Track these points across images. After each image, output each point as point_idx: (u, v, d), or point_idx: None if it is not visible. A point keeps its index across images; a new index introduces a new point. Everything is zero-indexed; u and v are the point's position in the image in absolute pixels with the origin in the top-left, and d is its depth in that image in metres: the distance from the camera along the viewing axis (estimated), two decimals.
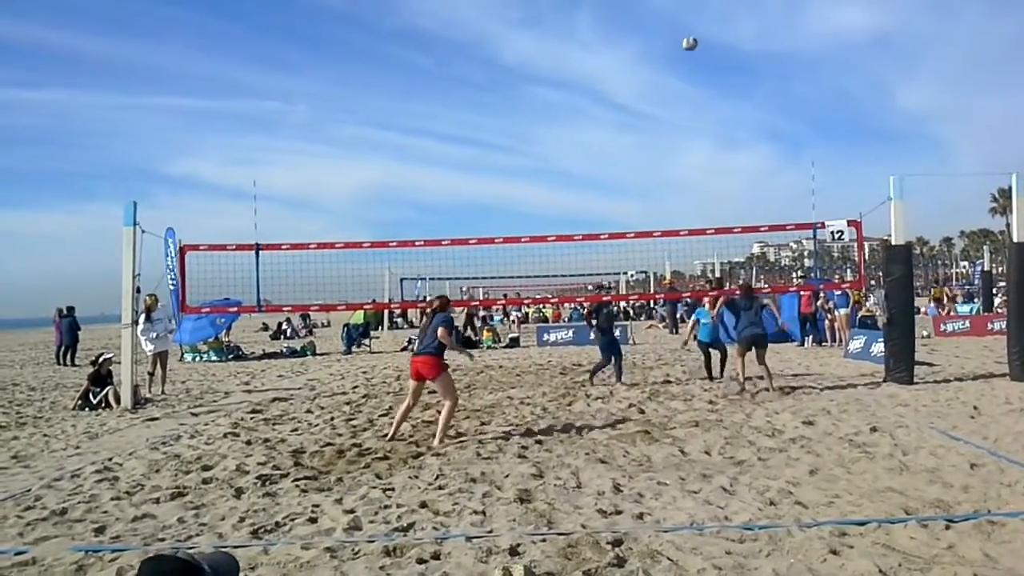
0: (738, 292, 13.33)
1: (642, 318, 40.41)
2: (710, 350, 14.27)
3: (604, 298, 15.67)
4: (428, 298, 35.34)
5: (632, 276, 42.32)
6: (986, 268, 33.53)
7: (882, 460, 7.32)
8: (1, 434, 10.81)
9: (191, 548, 5.23)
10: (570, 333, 25.95)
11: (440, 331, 9.01)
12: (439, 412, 11.02)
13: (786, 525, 5.40)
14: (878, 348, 14.84)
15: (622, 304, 38.79)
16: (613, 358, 13.96)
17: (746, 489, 6.47)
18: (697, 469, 7.25)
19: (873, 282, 20.87)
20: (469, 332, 27.54)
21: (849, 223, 13.86)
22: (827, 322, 21.32)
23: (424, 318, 10.14)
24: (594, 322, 14.49)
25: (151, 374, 14.85)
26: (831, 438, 8.44)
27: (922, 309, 30.87)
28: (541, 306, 41.01)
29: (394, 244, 15.18)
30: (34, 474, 8.13)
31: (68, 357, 24.19)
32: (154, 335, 14.56)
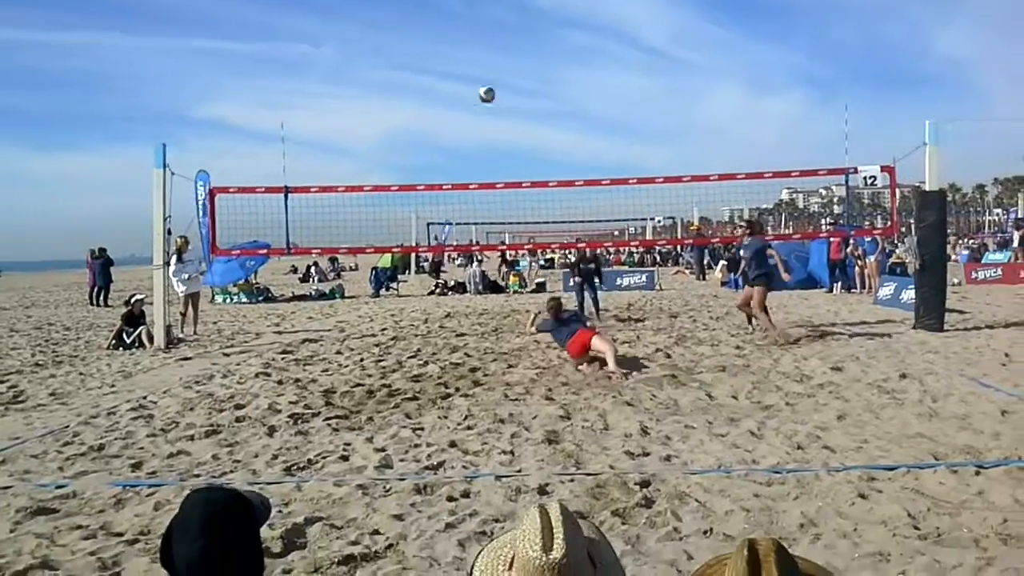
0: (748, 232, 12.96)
1: (669, 264, 40.26)
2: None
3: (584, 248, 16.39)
4: (457, 242, 35.51)
5: (659, 222, 41.98)
6: (1020, 215, 32.97)
7: (911, 406, 7.29)
8: (39, 372, 11.03)
9: (226, 484, 5.34)
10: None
11: None
12: (468, 355, 11.14)
13: (814, 469, 5.42)
14: (908, 295, 14.70)
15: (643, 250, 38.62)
16: (587, 296, 15.48)
17: (774, 433, 6.48)
18: (724, 413, 7.27)
19: (904, 229, 20.55)
20: (497, 277, 27.60)
21: (882, 168, 13.63)
22: (856, 269, 21.11)
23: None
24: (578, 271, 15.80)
25: (183, 315, 15.04)
26: (860, 384, 8.41)
27: (953, 256, 30.47)
28: (567, 251, 40.91)
29: (422, 188, 15.14)
30: (71, 411, 8.31)
31: (101, 298, 24.50)
32: (186, 276, 14.67)
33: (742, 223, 12.44)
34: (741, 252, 13.11)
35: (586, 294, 15.65)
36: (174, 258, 14.30)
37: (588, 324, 10.92)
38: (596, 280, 16.14)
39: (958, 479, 5.11)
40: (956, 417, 6.84)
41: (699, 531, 4.45)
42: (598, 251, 16.79)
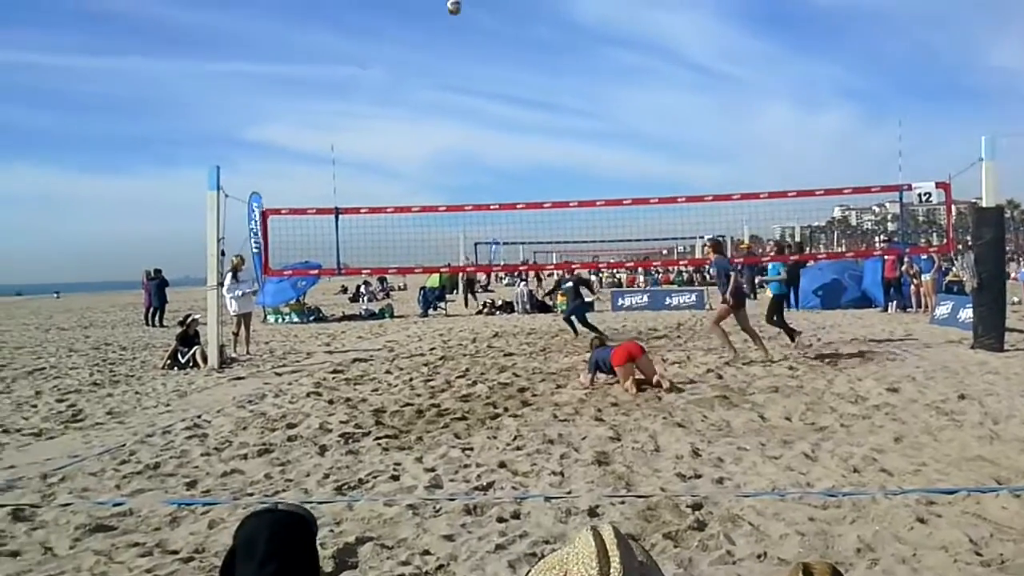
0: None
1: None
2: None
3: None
4: (504, 262, 35.58)
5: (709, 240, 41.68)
6: None
7: (971, 428, 7.11)
8: (96, 391, 11.26)
9: (278, 503, 5.38)
10: (645, 298, 25.77)
11: None
12: (516, 375, 11.14)
13: (871, 492, 5.31)
14: (966, 314, 14.37)
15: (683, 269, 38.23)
16: (575, 319, 16.26)
17: (828, 456, 6.36)
18: (778, 435, 7.16)
19: (960, 246, 20.14)
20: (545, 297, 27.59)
21: (938, 185, 13.39)
22: (912, 287, 20.71)
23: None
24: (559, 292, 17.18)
25: (235, 334, 15.27)
26: (917, 405, 8.23)
27: (1012, 274, 29.75)
28: (615, 271, 40.77)
29: (469, 208, 15.22)
30: (128, 430, 8.47)
31: (157, 318, 24.95)
32: (239, 293, 14.92)
33: (707, 242, 12.43)
34: (710, 270, 13.13)
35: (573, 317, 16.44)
36: (229, 276, 14.51)
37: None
38: (582, 301, 16.99)
39: (1021, 504, 4.96)
40: (1018, 439, 6.65)
41: (753, 555, 4.38)
42: (583, 272, 17.62)
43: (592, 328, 15.60)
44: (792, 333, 13.40)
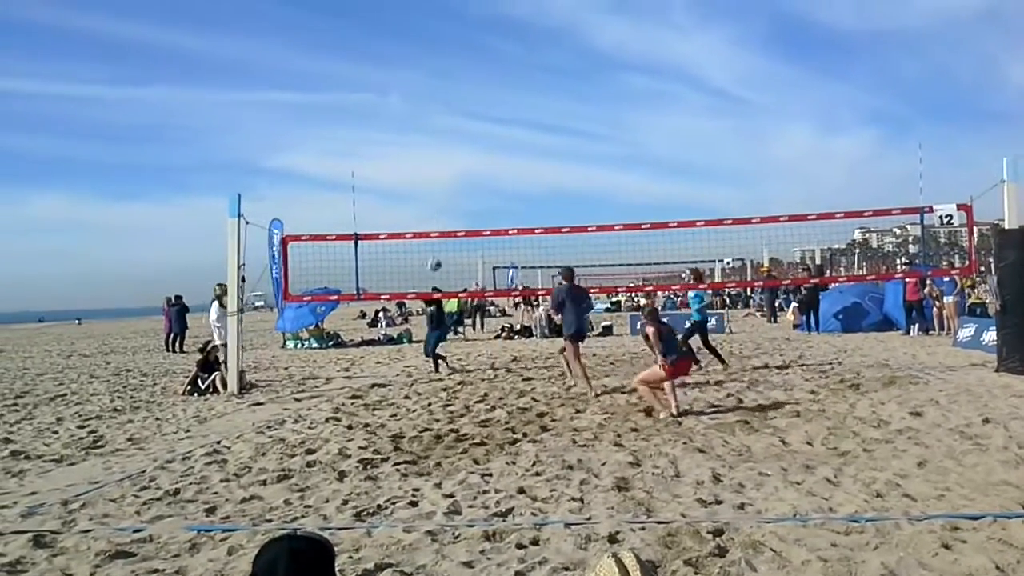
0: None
1: (739, 306, 39.73)
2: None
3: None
4: (522, 286, 35.65)
5: (729, 264, 41.59)
6: None
7: (996, 453, 7.01)
8: (117, 417, 11.32)
9: (297, 529, 5.38)
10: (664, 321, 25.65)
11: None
12: (535, 400, 11.11)
13: (895, 518, 5.23)
14: (990, 336, 14.23)
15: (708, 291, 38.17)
16: (431, 342, 16.34)
17: (851, 480, 6.29)
18: (799, 460, 7.09)
19: (983, 268, 19.99)
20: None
21: (959, 207, 13.31)
22: (935, 310, 20.54)
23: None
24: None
25: (224, 363, 14.83)
26: (940, 429, 8.13)
27: None
28: (634, 294, 40.68)
29: (487, 233, 15.25)
30: (148, 456, 8.49)
31: (177, 344, 25.10)
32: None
33: (560, 271, 12.34)
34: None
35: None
36: (215, 305, 14.51)
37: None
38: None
39: None
40: None
41: None
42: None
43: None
44: (720, 358, 14.56)
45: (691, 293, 15.91)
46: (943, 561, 4.46)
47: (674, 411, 9.53)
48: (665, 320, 10.84)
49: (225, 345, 14.65)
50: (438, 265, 15.23)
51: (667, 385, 9.87)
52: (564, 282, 13.01)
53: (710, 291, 15.01)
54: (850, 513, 5.42)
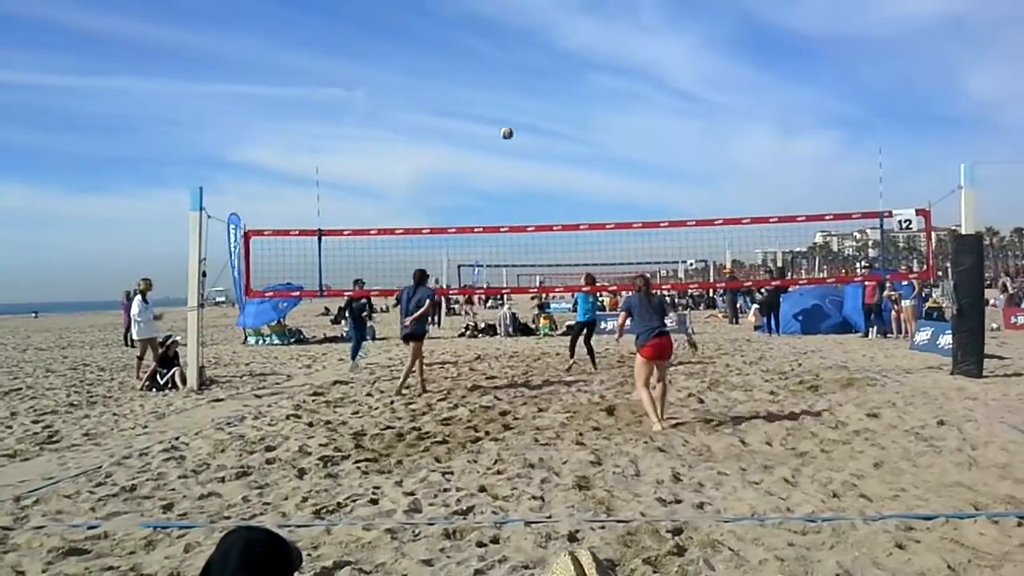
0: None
1: (701, 307, 40.03)
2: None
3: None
4: (488, 285, 35.65)
5: (691, 265, 41.90)
6: None
7: (950, 454, 7.13)
8: (73, 412, 11.14)
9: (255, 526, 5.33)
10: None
11: None
12: (498, 399, 11.10)
13: (850, 518, 5.30)
14: (946, 340, 14.48)
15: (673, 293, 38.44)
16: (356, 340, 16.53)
17: (809, 480, 6.37)
18: (758, 460, 7.16)
19: (940, 273, 20.34)
20: (529, 320, 27.58)
21: (918, 212, 13.53)
22: (893, 313, 20.85)
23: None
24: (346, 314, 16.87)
25: (140, 358, 14.63)
26: (896, 431, 8.25)
27: (991, 301, 29.97)
28: (598, 294, 40.75)
29: (452, 230, 15.25)
30: (104, 451, 8.37)
31: None
32: (150, 317, 14.37)
33: (416, 272, 12.19)
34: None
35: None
36: (138, 299, 14.24)
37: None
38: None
39: (999, 530, 4.97)
40: (997, 466, 6.68)
41: None
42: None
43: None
44: (593, 359, 14.75)
45: (579, 296, 16.25)
46: (897, 561, 4.53)
47: (657, 427, 8.69)
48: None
49: (147, 341, 14.33)
50: (511, 134, 14.37)
51: (655, 391, 9.22)
52: (418, 285, 12.41)
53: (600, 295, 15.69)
54: (807, 513, 5.48)
